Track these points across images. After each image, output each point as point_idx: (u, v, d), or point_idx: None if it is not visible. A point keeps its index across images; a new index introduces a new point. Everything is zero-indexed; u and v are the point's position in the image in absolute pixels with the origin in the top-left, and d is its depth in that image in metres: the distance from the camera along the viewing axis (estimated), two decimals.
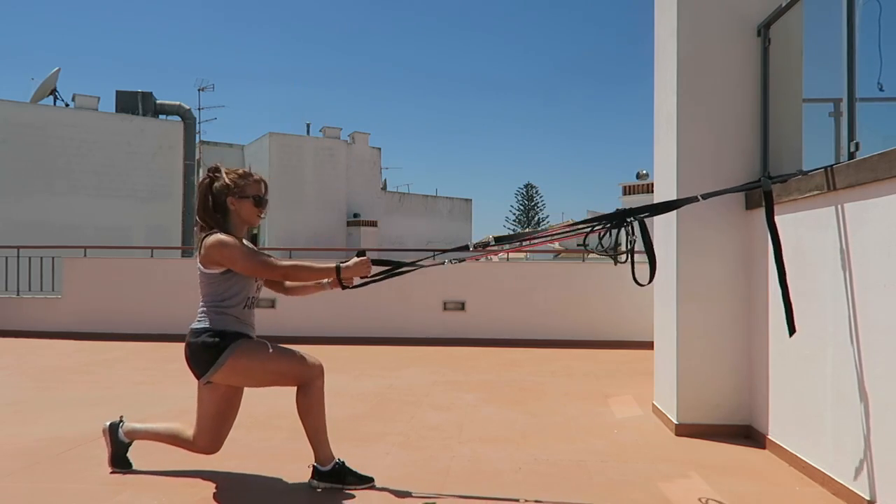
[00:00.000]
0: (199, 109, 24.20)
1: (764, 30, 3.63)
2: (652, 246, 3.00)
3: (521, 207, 62.49)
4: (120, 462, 3.06)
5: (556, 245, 14.69)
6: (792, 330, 2.95)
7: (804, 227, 3.08)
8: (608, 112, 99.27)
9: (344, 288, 2.95)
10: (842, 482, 2.74)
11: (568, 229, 3.22)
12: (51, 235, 16.17)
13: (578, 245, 3.49)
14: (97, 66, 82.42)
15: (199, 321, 2.84)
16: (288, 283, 3.06)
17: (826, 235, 2.87)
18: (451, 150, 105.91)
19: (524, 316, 7.92)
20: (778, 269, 2.87)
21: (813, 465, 2.99)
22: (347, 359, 6.49)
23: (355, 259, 2.87)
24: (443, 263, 3.04)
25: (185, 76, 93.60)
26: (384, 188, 28.96)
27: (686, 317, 3.76)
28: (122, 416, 3.15)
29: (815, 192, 2.90)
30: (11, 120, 19.21)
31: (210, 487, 2.88)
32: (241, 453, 3.30)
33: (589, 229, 3.06)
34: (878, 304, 2.50)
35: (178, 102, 22.56)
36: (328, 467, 2.87)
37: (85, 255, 8.81)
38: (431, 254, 3.09)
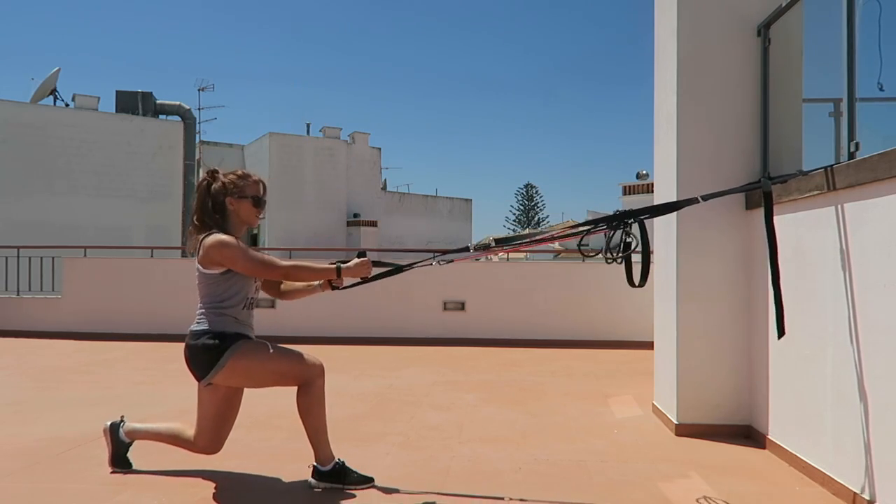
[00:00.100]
0: (199, 109, 24.22)
1: (764, 30, 3.63)
2: (649, 248, 3.00)
3: (521, 207, 62.52)
4: (120, 462, 3.06)
5: (556, 245, 14.70)
6: (781, 332, 2.96)
7: (804, 227, 3.08)
8: (608, 112, 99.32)
9: (334, 289, 2.98)
10: (842, 482, 2.75)
11: (568, 230, 3.22)
12: (51, 235, 16.16)
13: (579, 246, 3.45)
14: (97, 66, 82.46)
15: (198, 323, 2.84)
16: (283, 286, 3.06)
17: (826, 235, 2.87)
18: (451, 150, 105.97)
19: (524, 316, 7.92)
20: (772, 271, 2.88)
21: (813, 465, 2.99)
22: (347, 359, 6.49)
23: (356, 260, 2.88)
24: (431, 264, 3.03)
25: (185, 76, 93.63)
26: (384, 188, 28.97)
27: (686, 317, 3.76)
28: (122, 416, 3.15)
29: (815, 192, 2.91)
30: (11, 120, 19.21)
31: (210, 487, 2.88)
32: (242, 453, 3.30)
33: (587, 231, 3.07)
34: (878, 304, 2.50)
35: (178, 102, 22.57)
36: (328, 467, 2.87)
37: (85, 255, 8.81)
38: (432, 254, 3.09)
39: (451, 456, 3.36)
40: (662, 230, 4.02)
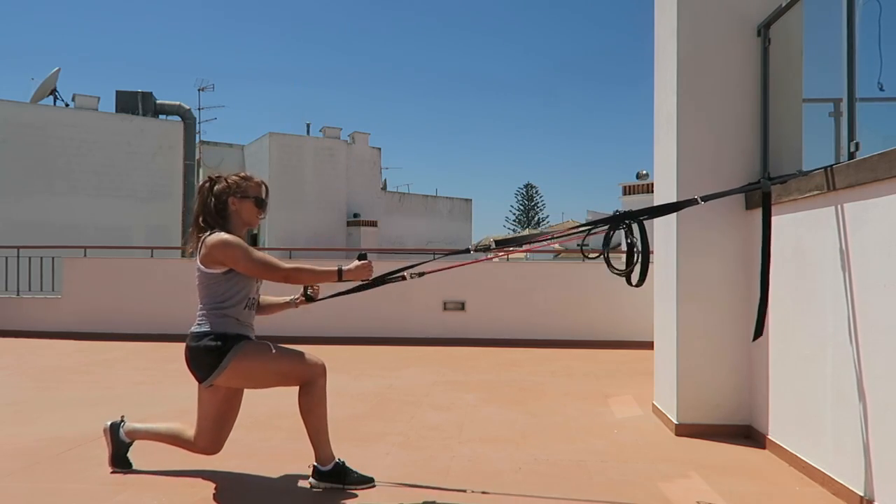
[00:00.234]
0: (199, 109, 24.19)
1: (764, 30, 3.63)
2: (648, 249, 3.00)
3: (521, 207, 62.52)
4: (120, 462, 3.06)
5: (556, 245, 14.70)
6: (758, 333, 2.98)
7: (804, 227, 3.08)
8: (608, 112, 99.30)
9: (310, 300, 3.05)
10: (842, 482, 2.75)
11: (568, 231, 3.23)
12: (51, 235, 16.14)
13: (579, 246, 3.46)
14: (97, 66, 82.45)
15: (198, 325, 2.84)
16: (261, 301, 3.07)
17: (826, 235, 2.87)
18: (451, 150, 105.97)
19: (524, 316, 7.92)
20: (762, 273, 2.90)
21: (813, 465, 2.99)
22: (347, 359, 6.49)
23: (356, 262, 2.88)
24: (404, 278, 3.02)
25: (185, 76, 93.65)
26: (384, 188, 28.94)
27: (686, 317, 3.76)
28: (123, 416, 3.15)
29: (815, 192, 2.91)
30: (11, 120, 19.19)
31: (210, 487, 2.88)
32: (242, 453, 3.30)
33: (587, 231, 3.08)
34: (878, 304, 2.50)
35: (178, 102, 22.54)
36: (328, 467, 2.87)
37: (85, 255, 8.81)
38: (431, 255, 3.10)
39: (451, 456, 3.36)
40: (662, 230, 4.02)
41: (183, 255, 12.52)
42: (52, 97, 21.41)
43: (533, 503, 2.75)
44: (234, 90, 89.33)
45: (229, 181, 2.90)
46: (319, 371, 2.85)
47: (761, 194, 2.95)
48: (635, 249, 2.96)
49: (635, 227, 2.94)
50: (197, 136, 23.22)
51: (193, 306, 2.91)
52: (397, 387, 5.18)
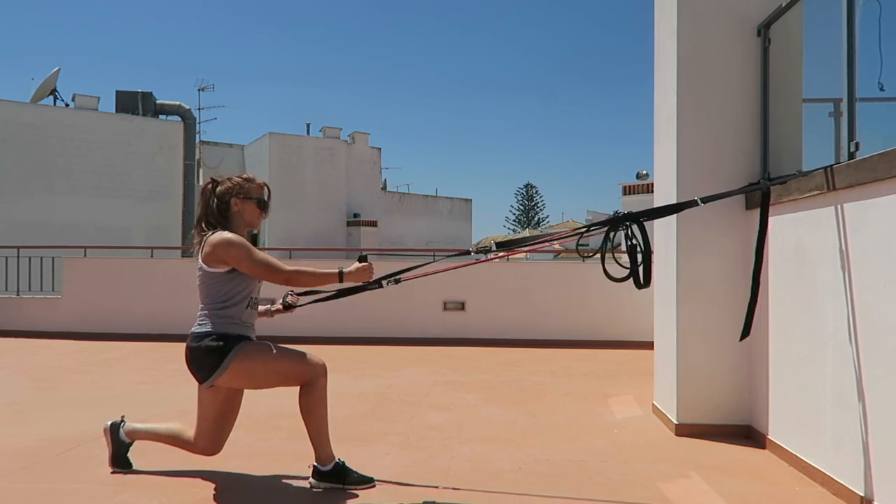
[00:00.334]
0: (199, 109, 24.17)
1: (764, 30, 3.63)
2: (650, 249, 3.00)
3: (521, 207, 62.53)
4: (120, 462, 3.06)
5: (557, 245, 14.70)
6: (745, 333, 2.99)
7: (804, 227, 3.08)
8: (608, 112, 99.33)
9: (287, 309, 3.08)
10: (842, 482, 2.75)
11: (568, 233, 3.23)
12: (51, 235, 16.13)
13: (580, 246, 3.46)
14: (97, 66, 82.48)
15: (200, 325, 2.83)
16: None
17: (826, 235, 2.87)
18: (451, 150, 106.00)
19: (524, 316, 7.92)
20: (754, 273, 2.91)
21: (813, 465, 2.99)
22: (347, 359, 6.49)
23: (357, 264, 2.88)
24: (381, 286, 3.01)
25: (185, 76, 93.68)
26: (384, 188, 28.94)
27: (686, 317, 3.76)
28: (123, 416, 3.15)
29: (815, 192, 2.91)
30: (11, 120, 19.19)
31: (210, 487, 2.88)
32: (242, 453, 3.30)
33: (585, 232, 3.08)
34: (878, 304, 2.50)
35: (178, 102, 22.53)
36: (328, 467, 2.87)
37: (85, 255, 8.82)
38: (431, 255, 3.10)
39: (451, 456, 3.36)
40: (662, 231, 4.02)
41: (183, 255, 12.52)
42: (52, 97, 21.41)
43: (533, 503, 2.75)
44: (234, 90, 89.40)
45: (232, 182, 2.92)
46: (320, 371, 2.85)
47: (761, 194, 2.96)
48: (639, 250, 2.96)
49: (636, 228, 2.94)
50: (197, 136, 23.22)
51: (194, 306, 2.91)
52: (397, 387, 5.18)
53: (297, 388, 2.86)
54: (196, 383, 2.88)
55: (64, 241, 16.29)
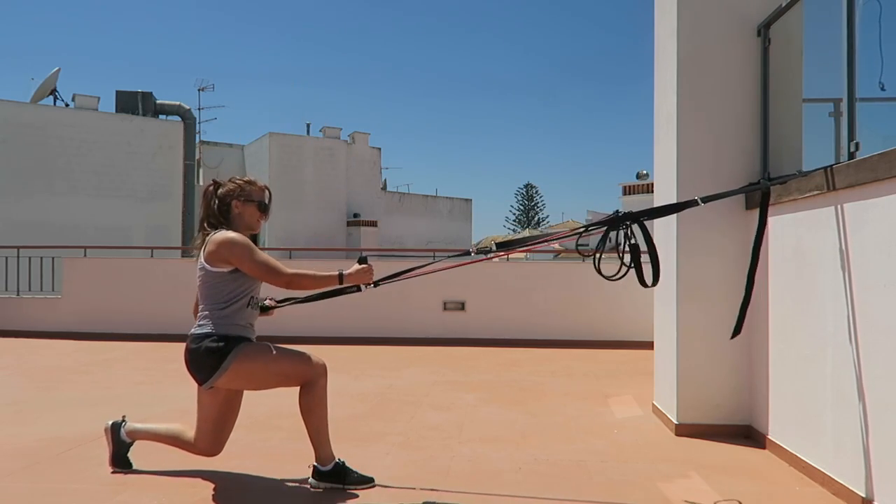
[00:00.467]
0: (199, 109, 24.18)
1: (764, 30, 3.63)
2: (655, 248, 3.00)
3: (521, 207, 62.51)
4: (121, 462, 3.06)
5: (557, 245, 14.70)
6: (736, 332, 3.00)
7: (804, 227, 3.08)
8: (608, 112, 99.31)
9: (264, 312, 3.07)
10: (842, 482, 2.75)
11: (568, 233, 3.23)
12: (51, 235, 16.14)
13: (579, 246, 3.45)
14: (97, 66, 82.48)
15: (200, 326, 2.83)
16: None
17: (826, 235, 2.87)
18: (451, 150, 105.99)
19: (524, 316, 7.92)
20: (749, 273, 2.91)
21: (813, 465, 2.99)
22: (347, 359, 6.49)
23: (357, 266, 2.88)
24: (359, 290, 2.97)
25: (185, 76, 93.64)
26: (384, 188, 28.94)
27: (686, 317, 3.76)
28: (124, 416, 3.15)
29: (815, 192, 2.91)
30: (11, 120, 19.19)
31: (210, 487, 2.88)
32: (242, 453, 3.30)
33: (585, 231, 3.08)
34: (878, 304, 2.50)
35: (178, 102, 22.53)
36: (328, 467, 2.87)
37: (85, 255, 8.81)
38: (431, 255, 3.10)
39: (451, 456, 3.36)
40: (662, 230, 4.02)
41: (183, 255, 12.52)
42: (52, 97, 21.41)
43: (533, 503, 2.75)
44: (234, 90, 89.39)
45: (234, 184, 2.93)
46: (320, 371, 2.85)
47: (761, 194, 2.96)
48: (642, 250, 2.96)
49: (636, 227, 2.94)
50: (197, 136, 23.22)
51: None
52: (397, 387, 5.18)
53: (297, 388, 2.86)
54: (196, 384, 2.88)
55: (64, 241, 16.30)
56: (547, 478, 3.05)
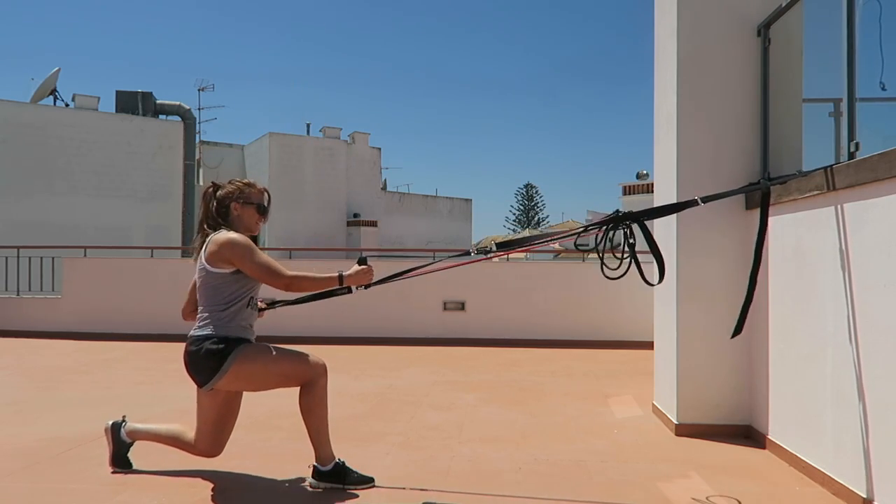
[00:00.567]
0: (199, 109, 24.16)
1: (764, 30, 3.63)
2: (657, 247, 3.00)
3: (521, 207, 62.50)
4: (121, 462, 3.06)
5: (557, 245, 14.70)
6: (737, 331, 3.00)
7: (804, 227, 3.08)
8: (608, 112, 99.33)
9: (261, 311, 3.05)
10: (842, 482, 2.75)
11: (567, 232, 3.23)
12: (51, 235, 16.14)
13: (579, 246, 3.46)
14: (97, 66, 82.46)
15: (200, 328, 2.82)
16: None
17: (826, 235, 2.87)
18: (451, 150, 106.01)
19: (524, 316, 7.92)
20: (752, 273, 2.90)
21: (813, 465, 2.99)
22: (347, 359, 6.49)
23: (356, 267, 2.88)
24: (350, 292, 2.94)
25: (185, 76, 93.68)
26: (384, 188, 28.93)
27: (686, 317, 3.76)
28: (124, 416, 3.15)
29: (815, 192, 2.91)
30: (11, 120, 19.18)
31: (210, 487, 2.88)
32: (241, 453, 3.30)
33: (584, 231, 3.08)
34: (878, 304, 2.50)
35: (178, 102, 22.53)
36: (328, 467, 2.87)
37: (85, 255, 8.81)
38: (431, 255, 3.10)
39: (451, 456, 3.36)
40: (662, 230, 4.02)
41: (183, 255, 12.52)
42: (52, 97, 21.40)
43: (533, 503, 2.75)
44: (234, 90, 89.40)
45: (233, 186, 2.93)
46: (320, 371, 2.85)
47: (761, 194, 2.96)
48: (641, 250, 2.96)
49: (636, 227, 2.94)
50: (197, 136, 23.21)
51: None
52: (397, 387, 5.18)
53: (297, 388, 2.86)
54: (195, 385, 2.87)
55: (64, 241, 16.30)
56: (547, 478, 3.05)
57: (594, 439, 3.69)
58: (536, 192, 63.37)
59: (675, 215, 3.70)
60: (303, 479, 2.95)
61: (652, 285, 3.03)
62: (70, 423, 3.95)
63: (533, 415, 4.26)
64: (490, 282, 8.05)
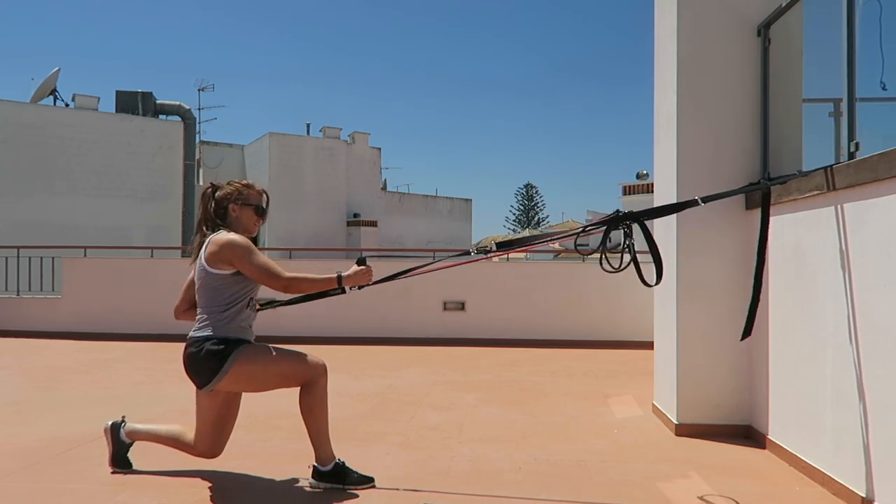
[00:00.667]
0: (199, 109, 24.17)
1: (764, 30, 3.63)
2: (657, 247, 3.00)
3: (521, 207, 62.51)
4: (120, 462, 3.06)
5: (556, 245, 14.70)
6: (746, 333, 2.99)
7: (804, 227, 3.08)
8: (608, 112, 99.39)
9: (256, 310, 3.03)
10: (842, 482, 2.74)
11: (567, 232, 3.23)
12: (51, 235, 16.14)
13: (579, 246, 3.46)
14: (97, 66, 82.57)
15: (199, 329, 2.82)
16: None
17: (826, 235, 2.87)
18: (451, 150, 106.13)
19: (524, 316, 7.92)
20: (756, 274, 2.90)
21: (813, 465, 2.99)
22: (347, 359, 6.49)
23: (355, 267, 2.87)
24: (344, 292, 2.92)
25: (185, 76, 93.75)
26: (384, 188, 28.92)
27: (686, 317, 3.76)
28: (124, 416, 3.15)
29: (815, 193, 2.91)
30: (11, 120, 19.18)
31: (210, 487, 2.88)
32: (241, 453, 3.30)
33: (584, 231, 3.08)
34: (878, 304, 2.50)
35: (178, 102, 22.52)
36: (328, 467, 2.87)
37: (85, 255, 8.81)
38: (431, 255, 3.10)
39: (451, 456, 3.36)
40: (662, 230, 4.02)
41: (183, 255, 12.51)
42: (52, 97, 21.39)
43: (533, 503, 2.75)
44: (234, 90, 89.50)
45: (231, 188, 2.92)
46: (320, 371, 2.85)
47: (761, 194, 2.96)
48: (641, 250, 2.96)
49: (637, 227, 2.94)
50: (197, 136, 23.21)
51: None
52: (397, 387, 5.17)
53: (297, 388, 2.86)
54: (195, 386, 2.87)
55: (64, 241, 16.30)
56: (547, 478, 3.05)
57: (594, 439, 3.69)
58: (536, 192, 63.45)
59: (675, 215, 3.70)
60: (303, 479, 2.94)
61: (650, 286, 3.03)
62: (70, 423, 3.95)
63: (533, 415, 4.25)
64: (490, 282, 8.05)
